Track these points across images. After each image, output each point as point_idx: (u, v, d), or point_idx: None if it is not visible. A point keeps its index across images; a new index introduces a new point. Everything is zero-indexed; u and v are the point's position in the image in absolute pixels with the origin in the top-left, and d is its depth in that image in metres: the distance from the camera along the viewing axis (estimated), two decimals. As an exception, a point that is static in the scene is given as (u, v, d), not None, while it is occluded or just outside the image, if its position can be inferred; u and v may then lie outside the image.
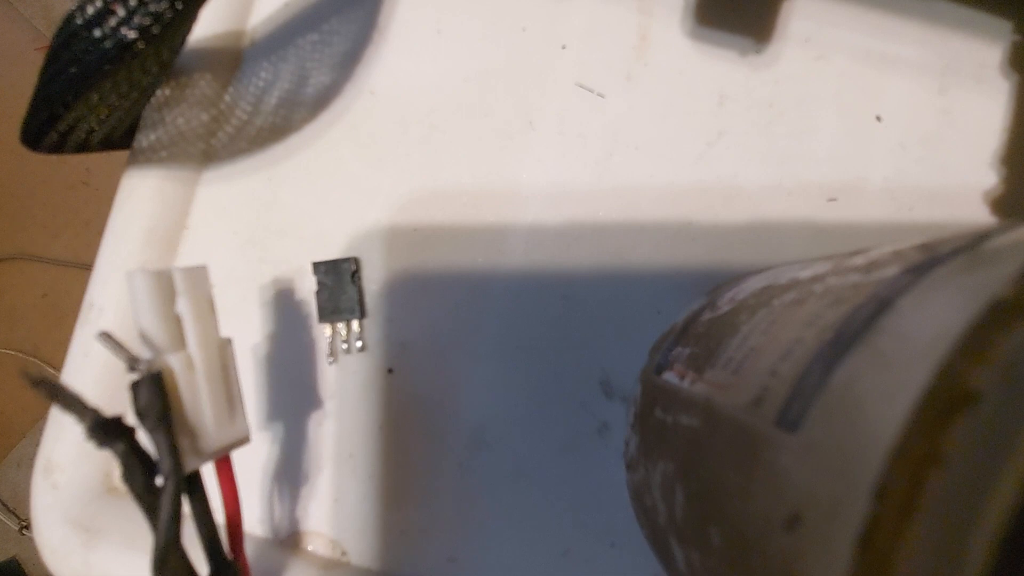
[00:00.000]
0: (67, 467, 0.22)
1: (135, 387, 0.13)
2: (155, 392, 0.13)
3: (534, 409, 0.21)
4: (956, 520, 0.06)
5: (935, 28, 0.22)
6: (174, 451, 0.13)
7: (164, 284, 0.14)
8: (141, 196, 0.24)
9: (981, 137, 0.21)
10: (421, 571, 0.21)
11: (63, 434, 0.23)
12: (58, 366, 0.81)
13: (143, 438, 0.13)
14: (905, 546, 0.06)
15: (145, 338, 0.14)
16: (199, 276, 0.15)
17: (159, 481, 0.13)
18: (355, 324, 0.22)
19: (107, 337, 0.13)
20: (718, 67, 0.22)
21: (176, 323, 0.14)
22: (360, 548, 0.21)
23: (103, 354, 0.23)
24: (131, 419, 0.13)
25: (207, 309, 0.15)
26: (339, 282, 0.22)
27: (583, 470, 0.21)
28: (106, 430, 0.13)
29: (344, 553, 0.21)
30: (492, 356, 0.22)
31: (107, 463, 0.23)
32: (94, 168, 0.91)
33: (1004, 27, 0.21)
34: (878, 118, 0.21)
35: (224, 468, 0.16)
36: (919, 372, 0.07)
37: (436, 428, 0.22)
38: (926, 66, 0.22)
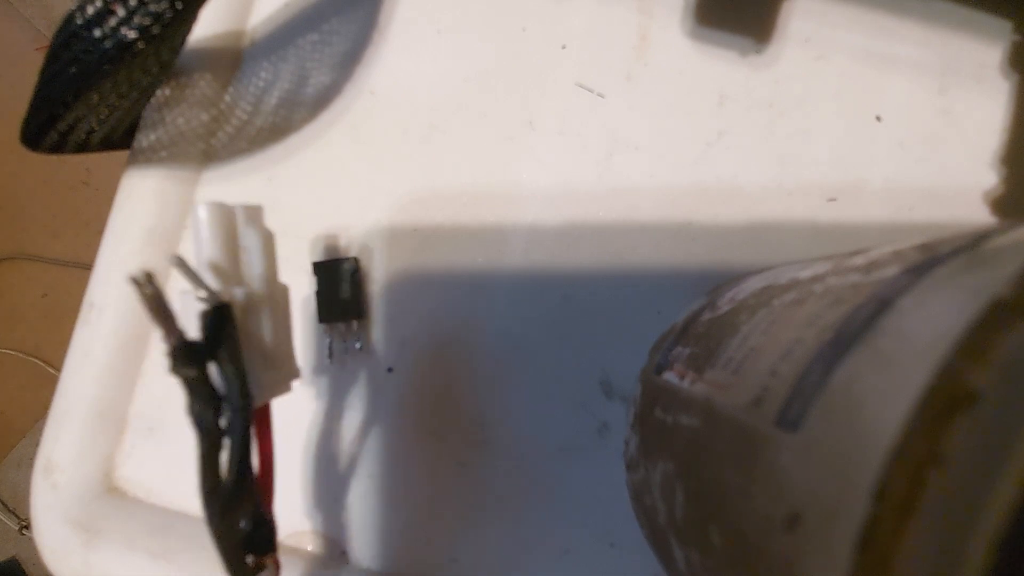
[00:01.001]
0: (67, 467, 0.22)
1: (206, 316, 0.13)
2: (226, 322, 0.13)
3: (534, 409, 0.21)
4: (956, 520, 0.06)
5: (935, 28, 0.22)
6: (245, 382, 0.13)
7: (228, 218, 0.14)
8: (141, 196, 0.24)
9: (981, 137, 0.21)
10: (421, 571, 0.21)
11: (63, 434, 0.23)
12: (58, 366, 0.81)
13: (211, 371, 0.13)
14: (905, 546, 0.06)
15: (212, 270, 0.14)
16: (258, 214, 0.15)
17: (222, 422, 0.13)
18: (355, 324, 0.22)
19: (180, 261, 0.13)
20: (718, 67, 0.22)
21: (238, 259, 0.14)
22: (360, 548, 0.21)
23: (103, 354, 0.23)
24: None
25: (270, 246, 0.15)
26: (339, 282, 0.22)
27: (583, 470, 0.21)
28: (187, 353, 0.12)
29: (344, 553, 0.21)
30: (492, 356, 0.22)
31: (107, 462, 0.23)
32: (94, 168, 0.91)
33: (1004, 27, 0.21)
34: (878, 118, 0.21)
35: (263, 419, 0.15)
36: (919, 372, 0.07)
37: (436, 428, 0.22)
38: (926, 66, 0.22)
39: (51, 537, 0.22)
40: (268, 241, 0.15)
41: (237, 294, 0.14)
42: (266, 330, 0.14)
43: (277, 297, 0.15)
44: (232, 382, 0.13)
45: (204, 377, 0.13)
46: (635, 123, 0.22)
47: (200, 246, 0.14)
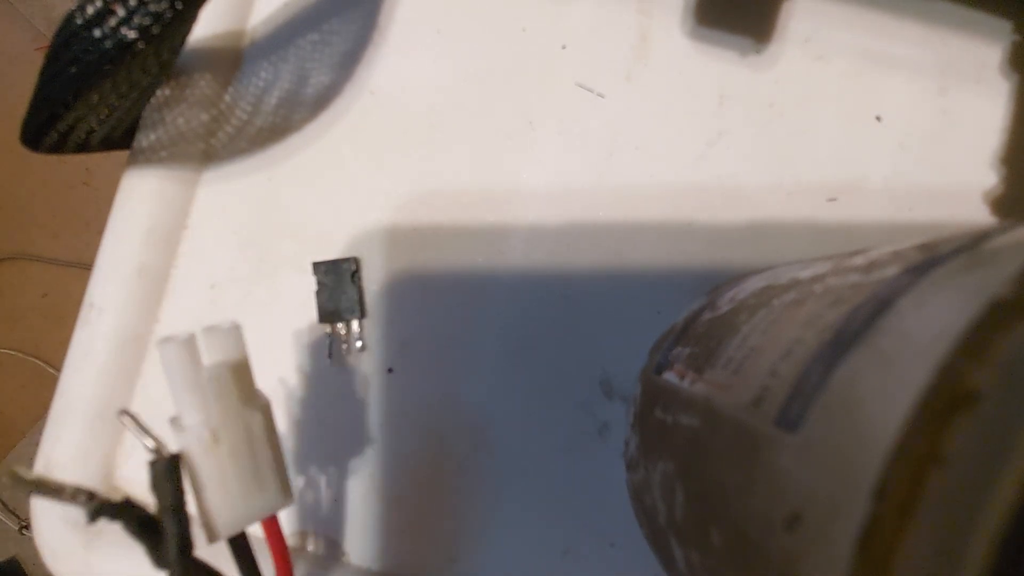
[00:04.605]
0: (67, 467, 0.22)
1: (150, 467, 0.13)
2: (167, 476, 0.13)
3: (534, 409, 0.21)
4: (956, 520, 0.06)
5: (935, 28, 0.22)
6: (182, 541, 0.13)
7: (192, 351, 0.14)
8: (141, 196, 0.24)
9: (981, 137, 0.21)
10: (421, 571, 0.21)
11: (63, 434, 0.23)
12: (58, 366, 0.81)
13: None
14: (905, 546, 0.06)
15: (180, 406, 0.14)
16: (230, 337, 0.14)
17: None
18: (355, 324, 0.22)
19: (128, 416, 0.13)
20: (718, 67, 0.22)
21: (206, 391, 0.14)
22: (360, 548, 0.21)
23: (103, 354, 0.23)
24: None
25: (239, 374, 0.14)
26: (339, 282, 0.22)
27: (583, 470, 0.21)
28: (104, 514, 0.13)
29: (344, 553, 0.21)
30: (492, 356, 0.22)
31: (107, 462, 0.23)
32: (94, 168, 0.91)
33: (1004, 27, 0.21)
34: (878, 118, 0.21)
35: (271, 530, 0.15)
36: (919, 372, 0.07)
37: (436, 428, 0.22)
38: (926, 66, 0.22)
39: (51, 537, 0.22)
40: (237, 369, 0.14)
41: (192, 438, 0.13)
42: (229, 468, 0.14)
43: (246, 428, 0.14)
44: (168, 538, 0.13)
45: (139, 526, 0.13)
46: (635, 123, 0.22)
47: (170, 386, 0.14)
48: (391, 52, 0.24)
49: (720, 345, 0.13)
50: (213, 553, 0.14)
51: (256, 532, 0.15)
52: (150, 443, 0.13)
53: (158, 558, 0.13)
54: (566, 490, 0.21)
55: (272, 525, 0.15)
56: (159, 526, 0.13)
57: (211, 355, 0.14)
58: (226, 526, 0.14)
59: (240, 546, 0.14)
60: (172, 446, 0.14)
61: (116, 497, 0.13)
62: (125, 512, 0.13)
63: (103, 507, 0.13)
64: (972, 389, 0.06)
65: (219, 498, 0.14)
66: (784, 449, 0.09)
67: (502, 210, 0.22)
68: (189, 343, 0.14)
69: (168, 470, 0.13)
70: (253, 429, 0.14)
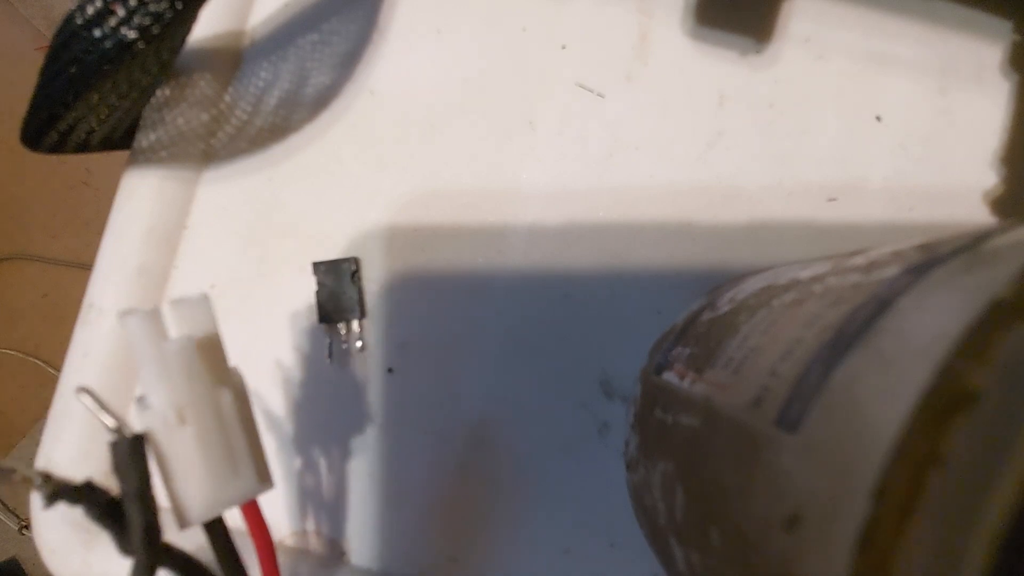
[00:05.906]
0: (67, 467, 0.22)
1: (111, 449, 0.12)
2: (129, 458, 0.12)
3: (534, 409, 0.21)
4: (956, 520, 0.06)
5: (935, 28, 0.22)
6: (148, 527, 0.12)
7: (156, 324, 0.13)
8: (141, 196, 0.24)
9: (981, 137, 0.21)
10: (421, 571, 0.21)
11: (63, 434, 0.23)
12: (58, 366, 0.81)
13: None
14: (905, 546, 0.06)
15: (147, 385, 0.13)
16: (198, 310, 0.13)
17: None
18: (355, 324, 0.22)
19: (87, 394, 0.12)
20: (718, 67, 0.22)
21: (172, 367, 0.13)
22: (360, 548, 0.21)
23: (103, 354, 0.23)
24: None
25: (208, 349, 0.13)
26: (339, 282, 0.22)
27: (583, 470, 0.21)
28: (63, 497, 0.12)
29: (344, 553, 0.21)
30: (492, 356, 0.22)
31: (107, 463, 0.23)
32: (94, 168, 0.91)
33: (1004, 27, 0.21)
34: (878, 118, 0.21)
35: (251, 514, 0.14)
36: (919, 372, 0.07)
37: (436, 428, 0.22)
38: (926, 66, 0.22)
39: (51, 537, 0.22)
40: (205, 343, 0.13)
41: (156, 418, 0.13)
42: (196, 450, 0.13)
43: (224, 401, 0.13)
44: (131, 522, 0.12)
45: (102, 511, 0.12)
46: (635, 123, 0.22)
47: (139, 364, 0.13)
48: (391, 52, 0.24)
49: (720, 345, 0.13)
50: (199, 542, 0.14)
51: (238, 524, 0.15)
52: (110, 422, 0.12)
53: (123, 545, 0.12)
54: (566, 490, 0.21)
55: (252, 512, 0.14)
56: (123, 511, 0.12)
57: (178, 329, 0.13)
58: (196, 512, 0.13)
59: (217, 532, 0.14)
60: (137, 426, 0.13)
61: (77, 480, 0.12)
62: (86, 495, 0.12)
63: (61, 490, 0.12)
64: (972, 389, 0.06)
65: (187, 482, 0.13)
66: (784, 449, 0.09)
67: (502, 210, 0.22)
68: (153, 315, 0.13)
69: (131, 451, 0.12)
70: (224, 408, 0.13)
